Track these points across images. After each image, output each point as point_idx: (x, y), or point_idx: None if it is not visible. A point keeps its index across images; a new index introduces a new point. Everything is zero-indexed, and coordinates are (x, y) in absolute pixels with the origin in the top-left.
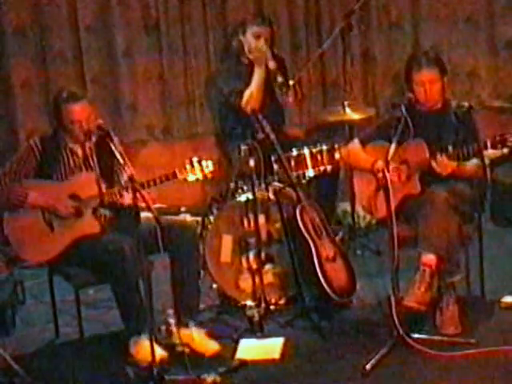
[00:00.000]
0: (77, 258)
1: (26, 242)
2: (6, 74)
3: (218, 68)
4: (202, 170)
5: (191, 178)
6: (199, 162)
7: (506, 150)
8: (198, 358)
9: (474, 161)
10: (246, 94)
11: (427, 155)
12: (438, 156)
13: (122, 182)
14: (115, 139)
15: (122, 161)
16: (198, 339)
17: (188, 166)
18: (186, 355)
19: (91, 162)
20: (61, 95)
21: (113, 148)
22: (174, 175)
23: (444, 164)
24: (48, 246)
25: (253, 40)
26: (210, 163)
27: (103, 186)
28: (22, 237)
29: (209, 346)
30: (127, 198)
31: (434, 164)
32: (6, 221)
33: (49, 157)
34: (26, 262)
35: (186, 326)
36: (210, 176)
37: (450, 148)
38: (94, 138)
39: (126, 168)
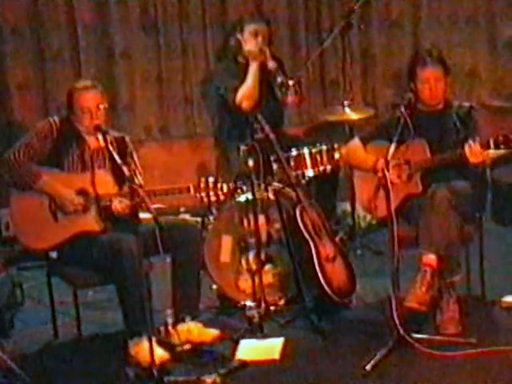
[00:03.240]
0: (77, 258)
1: (27, 226)
2: (2, 74)
3: (215, 67)
4: (215, 192)
5: (204, 197)
6: (215, 183)
7: (508, 151)
8: (198, 359)
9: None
10: (240, 91)
11: (428, 155)
12: (472, 143)
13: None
14: (128, 141)
15: (119, 161)
16: (196, 330)
17: (203, 185)
18: (186, 355)
19: (101, 160)
20: (75, 84)
21: (110, 148)
22: (187, 190)
23: (477, 152)
24: (48, 234)
25: (250, 38)
26: (225, 186)
27: (114, 187)
28: (25, 220)
29: (208, 333)
30: (118, 206)
31: (467, 151)
32: (12, 201)
33: (65, 139)
34: (25, 247)
35: (183, 320)
36: (222, 198)
37: (478, 138)
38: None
39: (124, 168)
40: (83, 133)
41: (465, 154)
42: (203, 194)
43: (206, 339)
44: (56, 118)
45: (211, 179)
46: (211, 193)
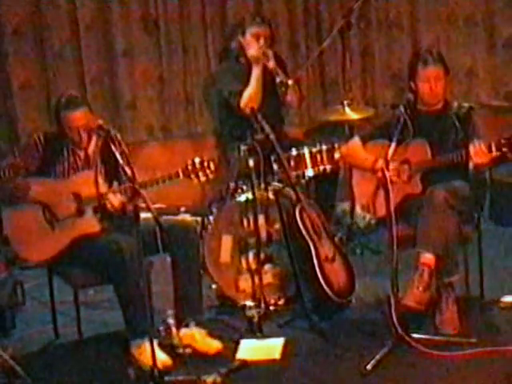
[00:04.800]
0: (77, 258)
1: (25, 241)
2: (5, 75)
3: (217, 69)
4: (204, 171)
5: (194, 178)
6: (201, 162)
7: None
8: (199, 359)
9: None
10: (245, 95)
11: (429, 155)
12: (477, 143)
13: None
14: (119, 139)
15: (121, 161)
16: (201, 339)
17: (190, 167)
18: (187, 356)
19: (93, 163)
20: (60, 101)
21: (113, 149)
22: (177, 175)
23: (482, 153)
24: (48, 245)
25: (252, 41)
26: (211, 164)
27: (104, 186)
28: (22, 235)
29: (211, 345)
30: (114, 201)
31: (471, 151)
32: (6, 217)
33: (52, 153)
34: (26, 261)
35: (187, 326)
36: (211, 177)
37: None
38: (99, 141)
39: (125, 169)
40: (73, 145)
41: (469, 154)
42: (193, 176)
43: (208, 351)
44: (41, 134)
45: (197, 159)
46: (200, 173)
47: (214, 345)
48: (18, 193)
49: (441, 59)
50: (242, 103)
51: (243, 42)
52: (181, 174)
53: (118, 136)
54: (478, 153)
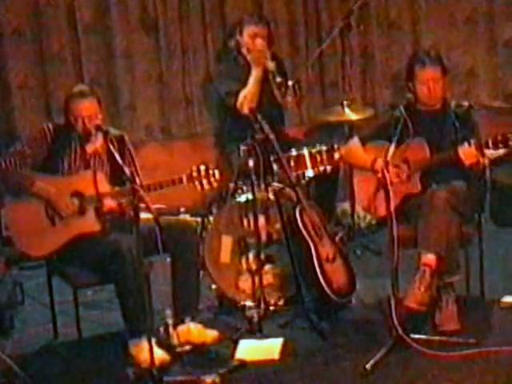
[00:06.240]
0: (77, 258)
1: (25, 234)
2: (4, 75)
3: (215, 69)
4: (208, 179)
5: (197, 185)
6: (206, 170)
7: (503, 151)
8: (198, 359)
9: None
10: (241, 95)
11: (428, 155)
12: (466, 147)
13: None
14: (127, 139)
15: (120, 162)
16: (196, 331)
17: (195, 174)
18: (186, 356)
19: (95, 162)
20: (71, 91)
21: (112, 149)
22: (181, 181)
23: (471, 154)
24: (47, 240)
25: (249, 40)
26: (216, 172)
27: (107, 187)
28: (22, 227)
29: (208, 335)
30: (109, 204)
31: (460, 153)
32: (7, 208)
33: (60, 145)
34: (24, 255)
35: (183, 321)
36: (215, 185)
37: (472, 141)
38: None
39: (125, 169)
40: (79, 138)
41: (458, 156)
42: (197, 183)
43: (205, 340)
44: (50, 124)
45: (202, 167)
46: (204, 181)
47: (210, 335)
48: (21, 185)
49: (439, 60)
50: (239, 104)
51: (240, 40)
52: (185, 180)
53: (126, 138)
54: (467, 154)
